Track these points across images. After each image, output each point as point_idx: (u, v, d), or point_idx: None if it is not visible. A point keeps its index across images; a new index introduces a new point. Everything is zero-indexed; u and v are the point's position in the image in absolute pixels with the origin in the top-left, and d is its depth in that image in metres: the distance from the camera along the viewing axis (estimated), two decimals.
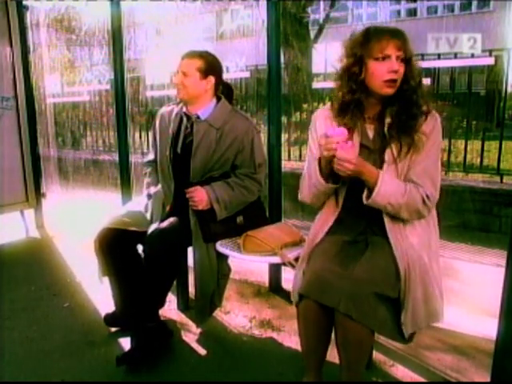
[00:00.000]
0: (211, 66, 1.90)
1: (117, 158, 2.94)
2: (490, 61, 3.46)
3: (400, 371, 1.71)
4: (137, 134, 5.63)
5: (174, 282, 1.98)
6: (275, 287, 2.43)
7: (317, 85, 5.13)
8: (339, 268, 1.35)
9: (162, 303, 1.93)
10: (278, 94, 2.26)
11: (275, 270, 2.41)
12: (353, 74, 1.41)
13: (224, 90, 2.02)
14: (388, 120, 1.44)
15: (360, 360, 1.38)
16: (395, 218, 1.44)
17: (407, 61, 1.39)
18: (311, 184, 1.51)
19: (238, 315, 2.18)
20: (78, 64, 5.60)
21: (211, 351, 1.89)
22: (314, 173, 1.47)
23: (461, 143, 4.31)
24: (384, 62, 1.37)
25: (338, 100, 1.48)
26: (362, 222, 1.52)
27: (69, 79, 5.11)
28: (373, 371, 1.69)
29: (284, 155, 4.51)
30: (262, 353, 1.86)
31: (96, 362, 1.81)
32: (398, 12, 11.62)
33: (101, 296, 2.23)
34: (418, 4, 11.35)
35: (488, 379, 1.59)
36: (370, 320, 1.28)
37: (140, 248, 1.94)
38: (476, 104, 4.97)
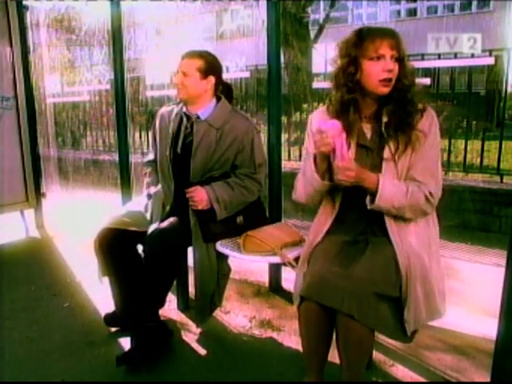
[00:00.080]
0: (211, 66, 1.90)
1: (117, 158, 2.94)
2: (490, 61, 3.46)
3: (400, 371, 1.71)
4: (137, 134, 5.63)
5: (174, 282, 1.99)
6: (275, 287, 2.43)
7: (317, 85, 5.13)
8: (339, 269, 1.36)
9: (162, 303, 1.93)
10: (278, 94, 2.26)
11: (275, 270, 2.41)
12: (348, 74, 1.42)
13: (223, 90, 2.02)
14: (385, 119, 1.45)
15: (360, 360, 1.38)
16: (396, 217, 1.44)
17: (400, 60, 1.41)
18: (306, 182, 1.51)
19: (237, 315, 2.18)
20: (78, 64, 5.61)
21: (211, 351, 1.89)
22: (310, 170, 1.47)
23: (461, 143, 4.31)
24: (378, 62, 1.39)
25: (335, 100, 1.49)
26: (362, 222, 1.52)
27: (69, 79, 5.11)
28: (373, 371, 1.69)
29: (284, 155, 4.51)
30: (262, 353, 1.86)
31: (96, 362, 1.81)
32: (398, 12, 11.63)
33: (101, 296, 2.23)
34: (417, 4, 11.36)
35: (488, 379, 1.59)
36: (371, 320, 1.29)
37: (140, 248, 1.94)
38: (476, 104, 4.97)
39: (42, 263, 2.90)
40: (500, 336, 1.49)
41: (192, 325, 2.05)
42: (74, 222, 3.47)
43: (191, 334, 2.00)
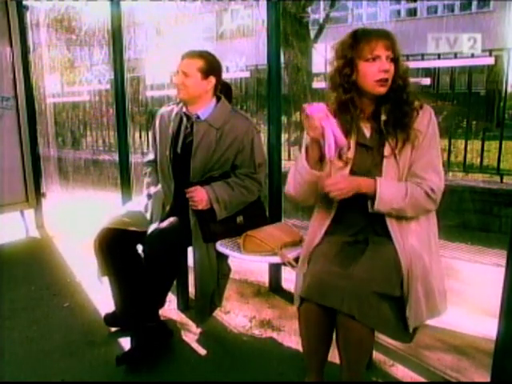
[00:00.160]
0: (212, 66, 1.90)
1: (117, 158, 2.94)
2: (490, 61, 3.46)
3: (400, 371, 1.71)
4: (137, 134, 5.63)
5: (174, 282, 1.99)
6: (275, 287, 2.43)
7: (317, 85, 5.13)
8: (339, 269, 1.36)
9: (162, 303, 1.93)
10: (278, 93, 2.26)
11: (275, 270, 2.41)
12: (344, 75, 1.44)
13: (223, 90, 2.02)
14: (383, 117, 1.47)
15: (361, 360, 1.38)
16: (398, 216, 1.45)
17: (395, 60, 1.42)
18: (296, 171, 1.52)
19: (237, 315, 2.17)
20: (77, 64, 5.61)
21: (211, 351, 1.89)
22: (301, 158, 1.49)
23: (461, 143, 4.31)
24: (374, 63, 1.40)
25: (333, 101, 1.50)
26: (362, 221, 1.52)
27: (69, 79, 5.12)
28: (373, 371, 1.69)
29: (284, 155, 4.51)
30: (262, 353, 1.86)
31: (96, 362, 1.81)
32: (398, 12, 11.64)
33: (101, 296, 2.23)
34: (417, 4, 11.37)
35: (488, 379, 1.59)
36: (372, 320, 1.29)
37: (140, 248, 1.94)
38: (476, 104, 4.98)
39: (41, 263, 2.90)
40: (500, 336, 1.49)
41: (192, 325, 2.05)
42: (74, 222, 3.47)
43: (191, 334, 2.00)
